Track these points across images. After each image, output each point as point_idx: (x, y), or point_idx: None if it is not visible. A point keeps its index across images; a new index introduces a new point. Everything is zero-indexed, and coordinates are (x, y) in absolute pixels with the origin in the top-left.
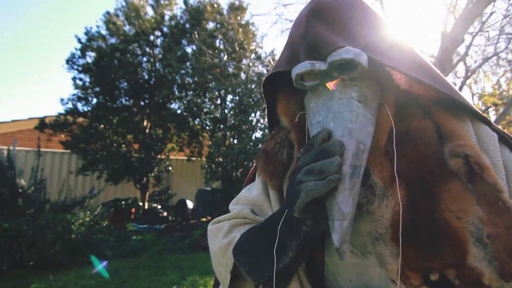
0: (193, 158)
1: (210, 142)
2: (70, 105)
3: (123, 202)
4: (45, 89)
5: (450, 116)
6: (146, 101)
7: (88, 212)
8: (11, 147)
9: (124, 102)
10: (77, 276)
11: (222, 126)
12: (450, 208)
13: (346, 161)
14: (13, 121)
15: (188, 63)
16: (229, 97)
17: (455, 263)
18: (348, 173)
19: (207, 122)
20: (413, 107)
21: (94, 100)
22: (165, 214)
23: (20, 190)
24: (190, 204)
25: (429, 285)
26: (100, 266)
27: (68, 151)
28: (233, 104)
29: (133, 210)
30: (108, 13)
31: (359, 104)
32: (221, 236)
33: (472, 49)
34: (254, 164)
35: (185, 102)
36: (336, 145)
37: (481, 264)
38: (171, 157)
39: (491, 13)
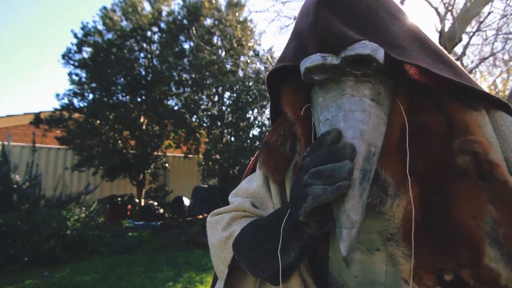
0: (190, 155)
1: (207, 139)
2: (66, 101)
3: (119, 199)
4: (41, 84)
5: (463, 105)
6: (143, 97)
7: (84, 208)
8: (5, 142)
9: (120, 98)
10: (72, 272)
11: (219, 123)
12: (464, 207)
13: (357, 165)
14: (8, 116)
15: (185, 60)
16: (227, 94)
17: (470, 263)
18: (358, 178)
19: (204, 119)
20: (425, 99)
21: (90, 96)
22: (161, 211)
23: (14, 186)
24: (186, 201)
25: (443, 285)
26: None
27: (64, 147)
28: (230, 101)
29: (129, 206)
30: (105, 8)
31: (372, 103)
32: (221, 229)
33: (469, 49)
34: (255, 155)
35: (182, 99)
36: (347, 148)
37: (497, 265)
38: (168, 154)
39: (489, 13)
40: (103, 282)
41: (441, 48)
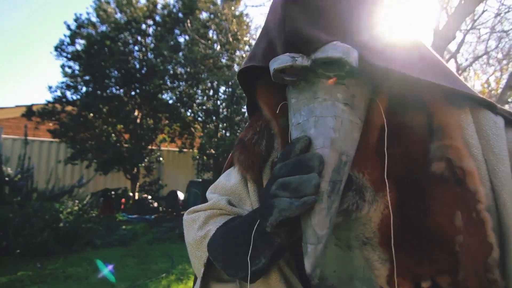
0: (185, 150)
1: (202, 134)
2: (58, 93)
3: (112, 192)
4: (33, 76)
5: (447, 104)
6: (137, 90)
7: (77, 201)
8: None
9: (114, 91)
10: (65, 263)
11: (214, 118)
12: (444, 211)
13: (325, 177)
14: None
15: (180, 53)
16: (222, 88)
17: (448, 269)
18: (327, 191)
19: (199, 113)
20: (408, 97)
21: (84, 89)
22: (155, 204)
23: (6, 179)
24: (181, 195)
25: None
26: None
27: (57, 140)
28: (225, 96)
29: (123, 200)
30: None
31: (345, 108)
32: (196, 228)
33: (463, 47)
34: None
35: (177, 92)
36: (314, 160)
37: None
38: (163, 148)
39: (483, 11)
40: (96, 273)
41: (425, 45)
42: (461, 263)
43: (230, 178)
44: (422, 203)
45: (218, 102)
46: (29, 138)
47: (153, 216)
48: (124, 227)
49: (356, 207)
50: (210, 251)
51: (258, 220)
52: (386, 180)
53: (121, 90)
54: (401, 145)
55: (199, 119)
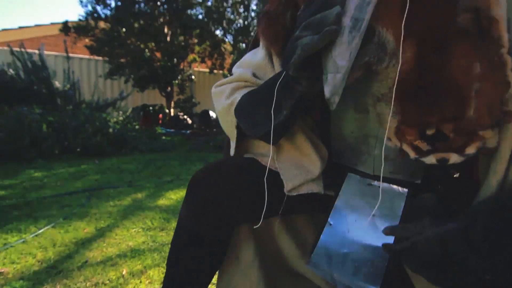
0: (215, 71)
1: (232, 54)
2: (89, 8)
3: (150, 108)
4: None
5: None
6: (165, 6)
7: (121, 112)
8: (40, 51)
9: (142, 7)
10: (118, 162)
11: (244, 38)
12: (460, 64)
13: (347, 12)
14: (36, 25)
15: None
16: (254, 3)
17: (454, 116)
18: (348, 26)
19: (229, 31)
20: None
21: (113, 3)
22: (189, 121)
23: (56, 90)
24: (213, 115)
25: (424, 139)
26: None
27: (94, 57)
28: (257, 11)
29: (160, 115)
30: None
31: None
32: (224, 98)
33: None
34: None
35: (206, 6)
36: None
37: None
38: (194, 68)
39: None
40: (145, 169)
41: None
42: (477, 105)
43: (256, 55)
44: (440, 58)
45: (249, 19)
46: (69, 55)
47: (188, 131)
48: (163, 137)
49: (377, 59)
50: (236, 116)
51: (281, 76)
52: (402, 30)
53: (150, 4)
54: (427, 1)
55: (229, 37)
